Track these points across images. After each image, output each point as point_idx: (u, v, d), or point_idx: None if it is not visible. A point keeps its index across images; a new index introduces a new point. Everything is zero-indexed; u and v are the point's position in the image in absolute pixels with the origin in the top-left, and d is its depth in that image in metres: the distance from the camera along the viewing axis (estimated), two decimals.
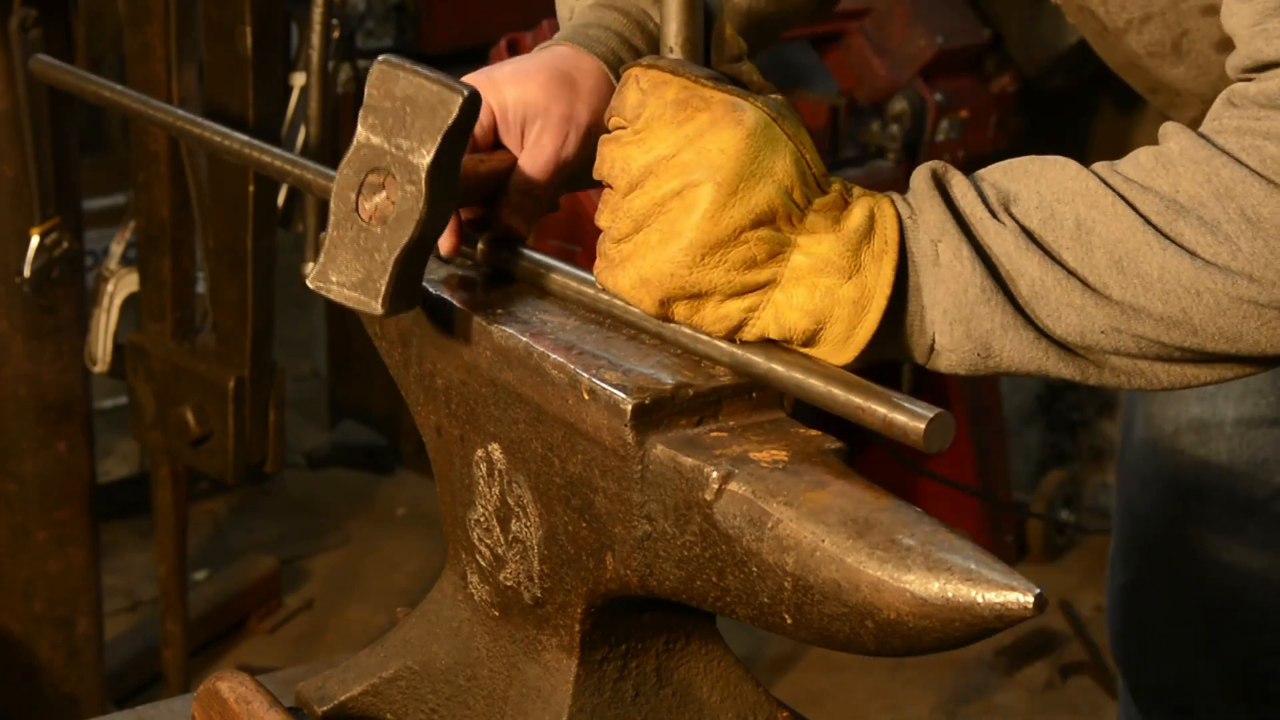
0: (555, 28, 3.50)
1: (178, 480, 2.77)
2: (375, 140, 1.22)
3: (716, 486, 1.10)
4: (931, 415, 1.09)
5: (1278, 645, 2.15)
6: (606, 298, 1.24)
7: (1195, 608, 2.16)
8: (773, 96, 1.19)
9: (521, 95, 1.35)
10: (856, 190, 1.20)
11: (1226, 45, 1.25)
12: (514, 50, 3.29)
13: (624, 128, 1.20)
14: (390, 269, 1.21)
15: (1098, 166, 1.19)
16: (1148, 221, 1.15)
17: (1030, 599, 0.99)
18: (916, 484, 3.95)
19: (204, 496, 4.17)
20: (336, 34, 2.58)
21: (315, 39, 2.38)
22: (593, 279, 1.24)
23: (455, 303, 1.31)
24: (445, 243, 1.31)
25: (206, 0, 2.45)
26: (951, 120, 3.78)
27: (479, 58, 3.65)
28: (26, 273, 2.68)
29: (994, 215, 1.18)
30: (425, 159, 1.20)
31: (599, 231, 1.22)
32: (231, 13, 2.41)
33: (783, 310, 1.17)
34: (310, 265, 2.41)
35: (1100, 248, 1.16)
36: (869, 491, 1.09)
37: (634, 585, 1.19)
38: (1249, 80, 1.20)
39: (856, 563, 1.03)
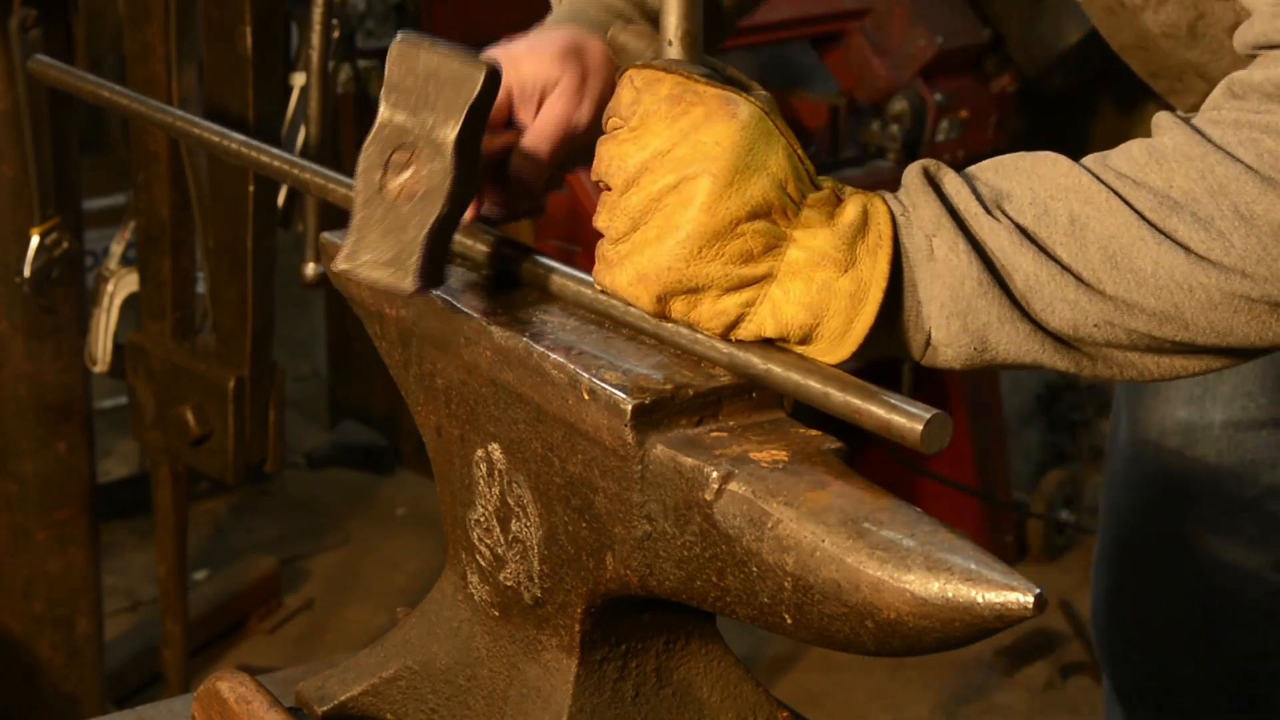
0: None
1: (178, 480, 2.77)
2: (399, 118, 1.22)
3: (716, 486, 1.10)
4: (929, 416, 1.08)
5: (1264, 647, 2.15)
6: (606, 299, 1.24)
7: (1181, 610, 2.16)
8: (759, 92, 1.20)
9: (537, 69, 1.37)
10: (848, 189, 1.20)
11: None
12: None
13: (621, 128, 1.20)
14: (421, 245, 1.21)
15: (1090, 161, 1.19)
16: (1141, 217, 1.15)
17: (1030, 599, 0.99)
18: (916, 484, 3.94)
19: (204, 496, 4.17)
20: (336, 34, 2.57)
21: (315, 39, 2.38)
22: (592, 280, 1.24)
23: (455, 303, 1.31)
24: (465, 215, 1.32)
25: (206, 0, 2.45)
26: (951, 120, 3.78)
27: None
28: (26, 273, 2.68)
29: (988, 211, 1.18)
30: (451, 133, 1.20)
31: (599, 233, 1.22)
32: (231, 13, 2.41)
33: (779, 304, 1.17)
34: (310, 265, 2.41)
35: (1094, 243, 1.16)
36: (869, 491, 1.09)
37: (634, 585, 1.19)
38: (1255, 57, 1.19)
39: (856, 563, 1.03)
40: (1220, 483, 2.09)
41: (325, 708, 1.42)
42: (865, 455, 3.61)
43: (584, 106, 1.38)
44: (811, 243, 1.16)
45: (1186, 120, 1.19)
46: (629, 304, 1.21)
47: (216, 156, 2.22)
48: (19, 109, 2.62)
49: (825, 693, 3.57)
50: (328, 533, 4.19)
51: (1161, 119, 1.20)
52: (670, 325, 1.21)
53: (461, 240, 1.36)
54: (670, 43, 1.22)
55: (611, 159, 1.19)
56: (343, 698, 1.42)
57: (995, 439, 4.06)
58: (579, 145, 1.40)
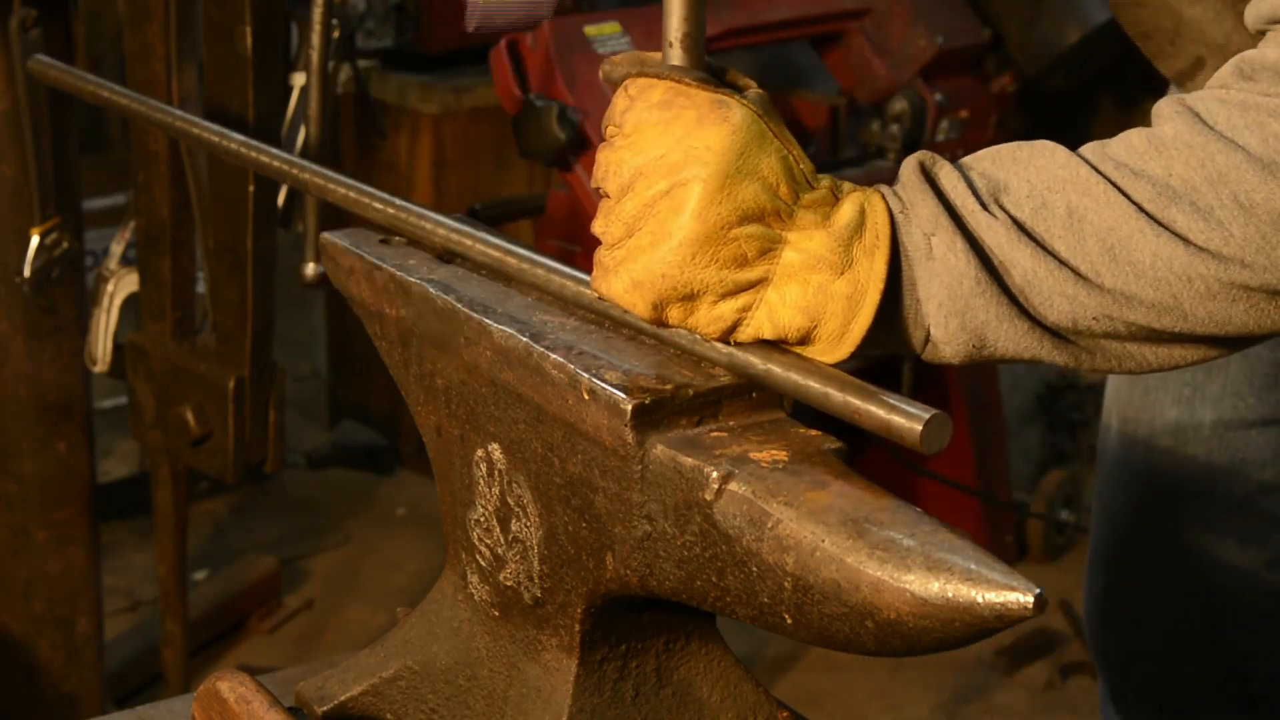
0: (555, 28, 3.50)
1: (178, 480, 2.77)
2: None
3: (716, 486, 1.10)
4: (928, 416, 1.08)
5: (1259, 647, 2.15)
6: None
7: (1176, 610, 2.16)
8: (754, 92, 1.19)
9: None
10: (846, 186, 1.19)
11: None
12: (514, 50, 3.29)
13: (617, 135, 1.20)
14: None
15: (1088, 150, 1.19)
16: (1140, 208, 1.15)
17: (1030, 599, 0.99)
18: (916, 484, 3.95)
19: (204, 496, 4.17)
20: (336, 34, 2.57)
21: (315, 39, 2.38)
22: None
23: (455, 303, 1.31)
24: None
25: (206, 0, 2.45)
26: (951, 120, 3.78)
27: (479, 58, 3.65)
28: (26, 273, 2.68)
29: (985, 207, 1.17)
30: None
31: (597, 238, 1.22)
32: (231, 13, 2.40)
33: (776, 308, 1.17)
34: (310, 265, 2.41)
35: (1092, 236, 1.16)
36: (869, 491, 1.09)
37: (634, 585, 1.19)
38: (1265, 34, 1.19)
39: (856, 563, 1.03)
40: (1212, 482, 2.09)
41: (325, 708, 1.42)
42: (865, 455, 3.61)
43: None
44: (807, 245, 1.16)
45: (1189, 106, 1.18)
46: (626, 311, 1.21)
47: (216, 156, 2.22)
48: (19, 109, 2.62)
49: (825, 693, 3.57)
50: (328, 533, 4.19)
51: (1162, 107, 1.20)
52: (668, 329, 1.21)
53: (461, 240, 1.37)
54: (671, 44, 1.21)
55: (608, 165, 1.20)
56: (343, 698, 1.42)
57: (995, 439, 4.06)
58: None
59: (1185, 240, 1.14)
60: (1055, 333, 1.19)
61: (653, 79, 1.19)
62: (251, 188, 2.45)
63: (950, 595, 1.00)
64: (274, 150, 1.58)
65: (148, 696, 3.37)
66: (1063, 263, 1.16)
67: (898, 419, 1.09)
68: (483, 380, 1.29)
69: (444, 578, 1.40)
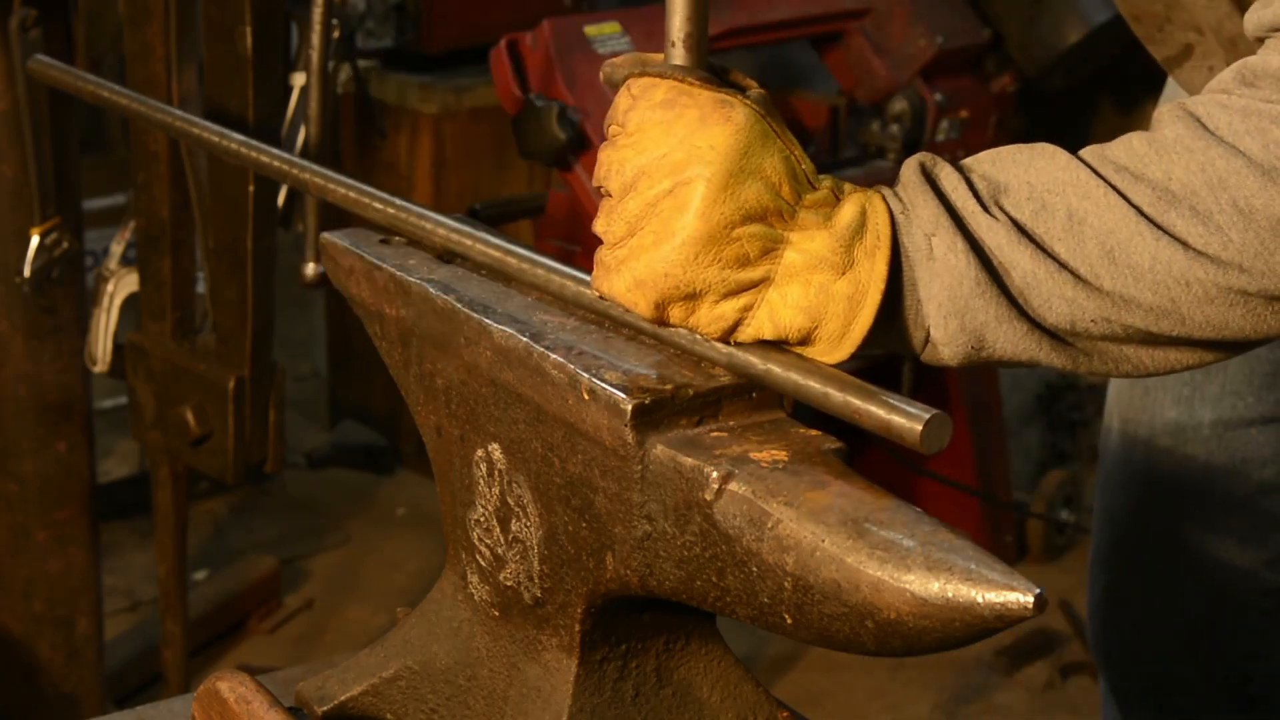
0: (555, 28, 3.50)
1: (178, 480, 2.77)
2: None
3: (716, 486, 1.10)
4: (928, 416, 1.08)
5: (1259, 647, 2.15)
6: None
7: (1177, 610, 2.16)
8: (755, 91, 1.19)
9: None
10: (847, 187, 1.20)
11: None
12: (514, 50, 3.29)
13: (620, 134, 1.20)
14: None
15: (1088, 153, 1.19)
16: (1140, 212, 1.15)
17: (1030, 599, 0.99)
18: (916, 484, 3.95)
19: (204, 496, 4.17)
20: (336, 34, 2.57)
21: (315, 39, 2.37)
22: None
23: (455, 303, 1.31)
24: None
25: (206, 0, 2.45)
26: (951, 120, 3.78)
27: (479, 58, 3.65)
28: (26, 273, 2.68)
29: (985, 209, 1.18)
30: None
31: (598, 238, 1.22)
32: (231, 13, 2.40)
33: (777, 308, 1.17)
34: (310, 265, 2.41)
35: (1092, 239, 1.16)
36: (869, 491, 1.09)
37: (634, 585, 1.19)
38: (1266, 40, 1.19)
39: (856, 563, 1.03)
40: (1212, 482, 2.09)
41: (325, 708, 1.42)
42: (865, 455, 3.61)
43: None
44: (808, 245, 1.16)
45: (1190, 111, 1.18)
46: (627, 310, 1.21)
47: (216, 156, 2.22)
48: (19, 109, 2.61)
49: (825, 693, 3.57)
50: (328, 533, 4.19)
51: (1164, 112, 1.20)
52: (669, 328, 1.21)
53: (461, 240, 1.37)
54: (674, 44, 1.21)
55: (610, 164, 1.19)
56: (343, 698, 1.42)
57: (995, 439, 4.06)
58: None
59: (1184, 244, 1.14)
60: (1054, 335, 1.19)
61: (655, 78, 1.19)
62: (251, 188, 2.45)
63: (950, 595, 1.00)
64: (274, 150, 1.58)
65: (148, 696, 3.37)
66: (1062, 265, 1.16)
67: (898, 419, 1.09)
68: (483, 380, 1.29)
69: (444, 578, 1.40)
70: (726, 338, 1.19)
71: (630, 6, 3.64)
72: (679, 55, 1.21)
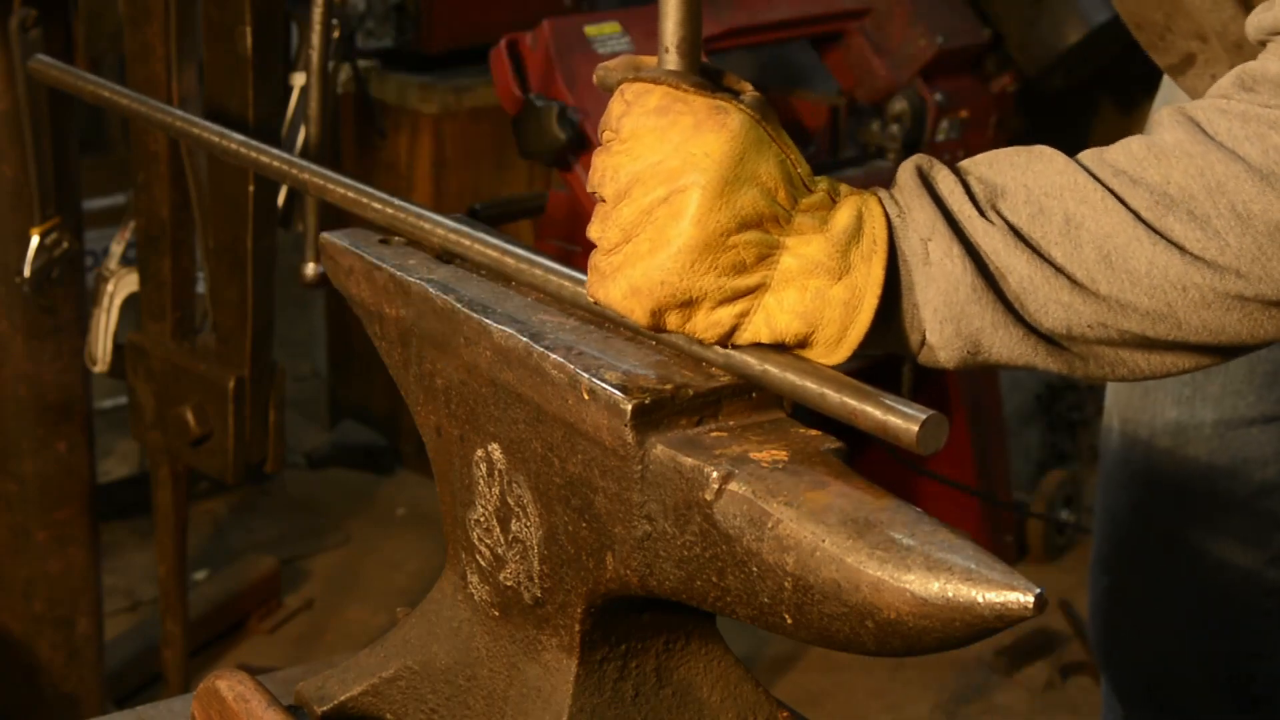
0: (555, 28, 3.50)
1: (178, 480, 2.77)
2: None
3: (716, 486, 1.10)
4: (924, 417, 1.08)
5: (1261, 646, 2.15)
6: None
7: (1179, 610, 2.16)
8: (751, 95, 1.19)
9: None
10: (844, 189, 1.19)
11: None
12: (514, 50, 3.29)
13: (614, 140, 1.20)
14: None
15: (1086, 156, 1.18)
16: (1137, 216, 1.15)
17: (1030, 599, 0.99)
18: (916, 484, 3.95)
19: (204, 496, 4.17)
20: (336, 34, 2.57)
21: (315, 39, 2.37)
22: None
23: (455, 302, 1.31)
24: None
25: (206, 0, 2.45)
26: (951, 120, 3.78)
27: (479, 58, 3.65)
28: (26, 273, 2.68)
29: (982, 213, 1.17)
30: None
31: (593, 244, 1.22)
32: (231, 13, 2.40)
33: (774, 314, 1.16)
34: (310, 265, 2.41)
35: (1089, 243, 1.15)
36: (869, 491, 1.08)
37: (634, 585, 1.19)
38: (1267, 44, 1.19)
39: (856, 563, 1.03)
40: (1213, 482, 2.09)
41: (325, 708, 1.42)
42: (865, 455, 3.61)
43: None
44: (805, 250, 1.16)
45: (1189, 115, 1.18)
46: (623, 317, 1.20)
47: (216, 156, 2.22)
48: (19, 109, 2.61)
49: (825, 693, 3.57)
50: (328, 533, 4.19)
51: (1163, 115, 1.19)
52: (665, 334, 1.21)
53: (461, 240, 1.37)
54: (667, 49, 1.21)
55: (604, 170, 1.19)
56: (343, 698, 1.42)
57: (995, 439, 4.06)
58: None
59: (1181, 249, 1.14)
60: (1050, 339, 1.19)
61: (649, 84, 1.19)
62: (251, 188, 2.45)
63: (950, 595, 1.00)
64: (274, 150, 1.58)
65: (148, 696, 3.37)
66: (1059, 269, 1.16)
67: (894, 420, 1.09)
68: (482, 380, 1.29)
69: (444, 578, 1.40)
70: (723, 343, 1.18)
71: (630, 6, 3.64)
72: (672, 60, 1.20)
